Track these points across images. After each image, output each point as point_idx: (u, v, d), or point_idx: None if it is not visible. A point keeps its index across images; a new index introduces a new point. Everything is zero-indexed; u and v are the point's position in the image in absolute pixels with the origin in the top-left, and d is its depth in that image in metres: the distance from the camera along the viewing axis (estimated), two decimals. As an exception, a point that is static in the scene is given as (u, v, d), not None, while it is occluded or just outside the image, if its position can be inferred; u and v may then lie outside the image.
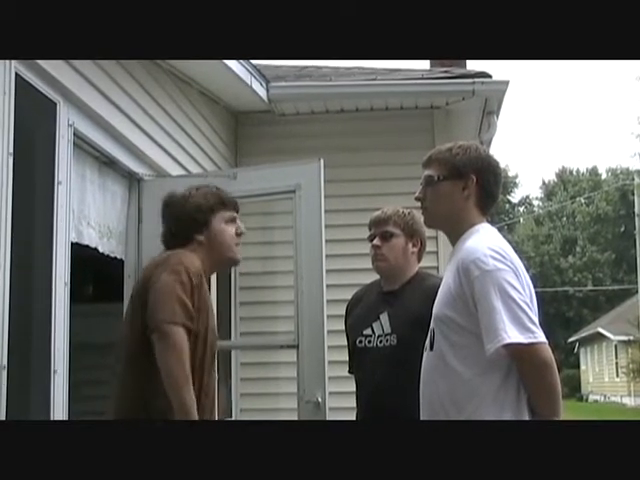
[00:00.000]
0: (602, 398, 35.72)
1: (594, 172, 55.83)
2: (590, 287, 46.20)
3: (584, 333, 38.65)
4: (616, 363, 34.20)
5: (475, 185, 2.73)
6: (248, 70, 5.79)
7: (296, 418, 4.41)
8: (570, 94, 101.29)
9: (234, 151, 6.75)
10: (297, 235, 4.65)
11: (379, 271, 3.64)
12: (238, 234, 3.14)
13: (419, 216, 3.14)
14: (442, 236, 4.00)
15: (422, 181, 2.82)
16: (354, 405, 3.63)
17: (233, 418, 5.88)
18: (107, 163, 4.45)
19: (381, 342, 3.51)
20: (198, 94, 5.78)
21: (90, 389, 5.86)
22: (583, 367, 41.08)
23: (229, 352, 5.93)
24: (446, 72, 6.55)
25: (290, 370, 4.66)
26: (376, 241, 3.60)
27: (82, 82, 3.85)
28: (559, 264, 48.88)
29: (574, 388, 37.65)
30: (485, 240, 2.63)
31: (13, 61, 3.22)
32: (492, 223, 2.82)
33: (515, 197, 59.15)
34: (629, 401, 31.46)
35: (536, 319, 2.50)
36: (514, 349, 2.44)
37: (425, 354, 2.73)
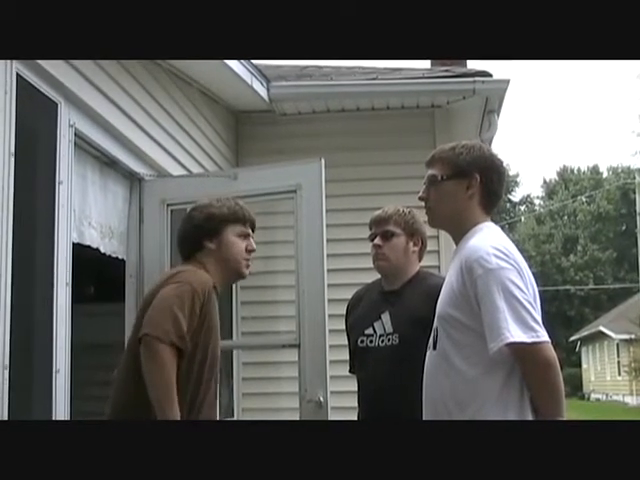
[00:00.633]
0: (604, 397, 35.70)
1: (595, 171, 55.82)
2: (591, 286, 46.21)
3: (586, 332, 38.64)
4: (618, 362, 34.19)
5: (479, 184, 2.73)
6: (249, 70, 5.79)
7: (298, 418, 4.41)
8: (571, 92, 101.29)
9: (235, 151, 6.75)
10: (298, 235, 4.65)
11: (380, 270, 3.64)
12: (248, 250, 3.19)
13: (420, 215, 3.14)
14: (443, 235, 4.01)
15: (425, 180, 2.82)
16: (356, 405, 3.63)
17: (235, 418, 5.88)
18: (108, 163, 4.45)
19: (383, 342, 3.51)
20: (199, 94, 5.78)
21: (92, 389, 5.85)
22: (585, 366, 41.06)
23: (230, 352, 5.93)
24: (447, 71, 6.55)
25: (292, 369, 4.66)
26: (377, 240, 3.60)
27: (83, 82, 3.85)
28: (560, 263, 48.88)
29: (576, 387, 37.64)
30: (489, 239, 2.63)
31: (14, 62, 3.22)
32: (494, 222, 2.82)
33: (516, 196, 59.21)
34: (631, 400, 31.44)
35: (539, 318, 2.50)
36: (517, 348, 2.44)
37: (428, 353, 2.73)
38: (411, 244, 3.60)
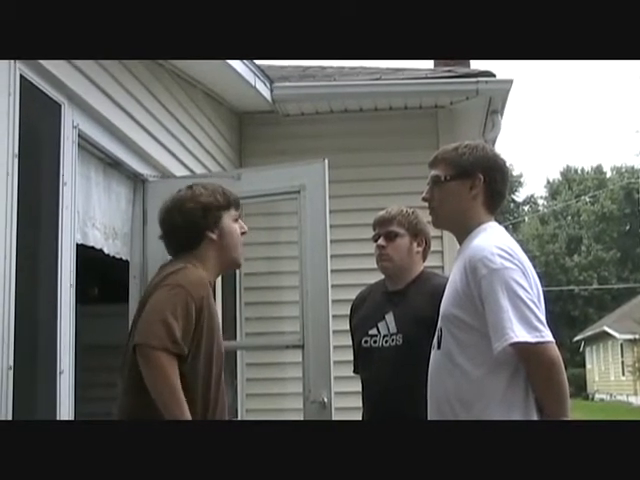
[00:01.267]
0: (608, 397, 35.65)
1: (599, 171, 55.79)
2: (595, 286, 46.17)
3: (590, 332, 38.60)
4: (622, 362, 34.14)
5: (482, 184, 2.73)
6: (252, 71, 5.79)
7: (302, 418, 4.41)
8: (574, 92, 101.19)
9: (238, 152, 6.75)
10: (302, 235, 4.65)
11: (384, 271, 3.64)
12: (242, 233, 3.13)
13: (423, 216, 3.14)
14: (447, 235, 4.01)
15: (429, 181, 2.82)
16: (360, 405, 3.63)
17: (239, 419, 5.88)
18: (112, 164, 4.45)
19: (387, 342, 3.50)
20: (202, 95, 5.79)
21: (96, 390, 5.87)
22: (589, 366, 41.02)
23: (234, 352, 5.94)
24: (450, 71, 6.54)
25: (295, 370, 4.66)
26: (381, 241, 3.59)
27: (87, 84, 3.85)
28: (564, 263, 48.85)
29: (580, 387, 37.59)
30: (493, 239, 2.63)
31: (18, 63, 3.23)
32: (498, 222, 2.82)
33: (520, 196, 59.21)
34: (635, 400, 31.39)
35: (543, 318, 2.50)
36: (521, 348, 2.44)
37: (432, 353, 2.73)
38: (415, 244, 3.60)
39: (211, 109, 6.01)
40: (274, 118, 6.63)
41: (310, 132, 6.66)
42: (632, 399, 31.88)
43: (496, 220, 2.82)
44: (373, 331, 3.55)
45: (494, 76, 6.31)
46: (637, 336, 30.68)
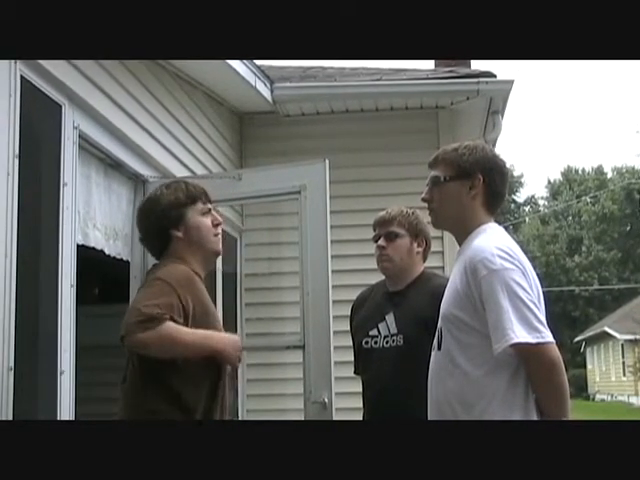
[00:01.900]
0: (609, 397, 35.64)
1: (599, 171, 55.80)
2: (596, 286, 46.15)
3: (590, 332, 38.59)
4: (623, 362, 34.13)
5: (482, 185, 2.73)
6: (252, 71, 5.79)
7: (302, 419, 4.41)
8: (575, 93, 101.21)
9: (239, 152, 6.76)
10: (302, 236, 4.65)
11: (384, 272, 3.64)
12: (215, 225, 3.09)
13: (424, 216, 3.14)
14: (447, 236, 4.01)
15: (428, 182, 2.82)
16: (361, 406, 3.63)
17: (239, 419, 5.88)
18: (112, 165, 4.45)
19: (387, 343, 3.50)
20: (203, 96, 5.79)
21: (97, 390, 5.86)
22: (590, 366, 41.01)
23: (235, 353, 5.93)
24: (451, 72, 6.55)
25: (296, 371, 4.66)
26: (381, 242, 3.59)
27: (87, 84, 3.85)
28: (565, 263, 48.84)
29: (581, 387, 37.59)
30: (492, 239, 2.63)
31: (19, 64, 3.23)
32: (497, 223, 2.82)
33: (520, 197, 59.22)
34: (636, 400, 31.38)
35: (544, 318, 2.50)
36: (522, 348, 2.44)
37: (433, 354, 2.73)
38: (415, 245, 3.60)
39: (212, 110, 6.01)
40: (275, 118, 6.63)
41: (311, 132, 6.66)
42: (633, 399, 31.86)
43: (496, 220, 2.82)
44: (374, 332, 3.55)
45: (495, 76, 6.31)
46: (638, 336, 30.66)
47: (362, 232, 4.52)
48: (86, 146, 4.02)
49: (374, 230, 3.66)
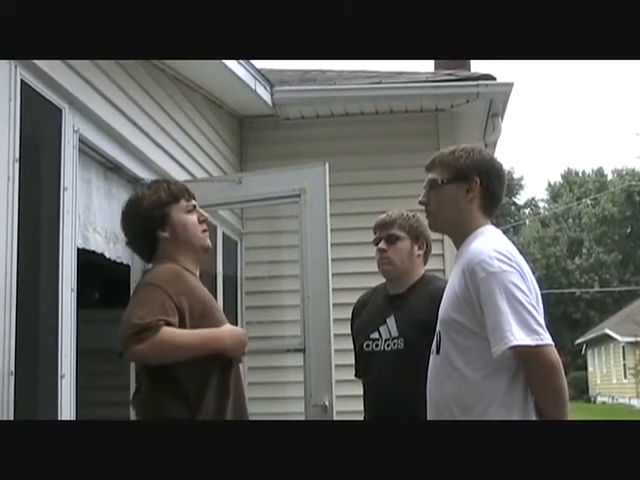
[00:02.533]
0: (610, 400, 35.61)
1: (600, 173, 55.78)
2: (597, 288, 46.13)
3: (591, 335, 38.57)
4: (624, 364, 34.11)
5: (479, 187, 2.73)
6: (252, 74, 5.80)
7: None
8: (575, 95, 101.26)
9: (239, 155, 6.76)
10: (303, 239, 4.66)
11: (385, 275, 3.63)
12: (201, 221, 3.06)
13: (424, 219, 3.14)
14: (448, 239, 4.01)
15: (426, 185, 2.82)
16: (361, 409, 3.62)
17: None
18: (112, 169, 4.45)
19: (388, 346, 3.50)
20: (203, 99, 5.79)
21: (97, 394, 5.86)
22: (590, 369, 40.98)
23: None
24: (450, 75, 6.55)
25: (297, 374, 4.66)
26: (381, 244, 3.59)
27: (87, 88, 3.86)
28: (565, 266, 48.82)
29: (582, 390, 37.57)
30: (490, 242, 2.63)
31: (19, 68, 3.23)
32: (497, 225, 2.82)
33: (521, 199, 59.20)
34: (637, 403, 31.35)
35: (542, 321, 2.50)
36: (521, 351, 2.44)
37: (432, 357, 2.73)
38: (416, 248, 3.60)
39: (212, 113, 6.02)
40: (275, 122, 6.64)
41: (311, 136, 6.67)
42: (634, 402, 31.83)
43: (496, 223, 2.82)
44: (374, 335, 3.55)
45: (495, 79, 6.32)
46: (639, 339, 30.65)
47: (362, 235, 4.53)
48: (86, 150, 4.02)
49: (374, 233, 3.66)
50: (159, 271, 2.87)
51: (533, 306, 2.50)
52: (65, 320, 3.56)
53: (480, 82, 6.24)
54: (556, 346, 2.49)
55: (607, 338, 35.38)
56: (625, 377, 33.96)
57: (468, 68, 7.27)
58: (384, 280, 3.69)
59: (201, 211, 3.08)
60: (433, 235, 3.60)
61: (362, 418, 3.61)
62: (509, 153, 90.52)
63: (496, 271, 2.50)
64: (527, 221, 55.15)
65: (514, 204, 57.77)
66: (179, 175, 5.15)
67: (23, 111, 3.25)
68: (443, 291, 2.78)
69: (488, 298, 2.48)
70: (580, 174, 56.50)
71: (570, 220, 53.13)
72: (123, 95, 4.32)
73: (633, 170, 52.15)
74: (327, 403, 4.35)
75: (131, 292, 4.67)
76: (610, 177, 55.38)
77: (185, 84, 5.39)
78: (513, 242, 2.74)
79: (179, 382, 2.77)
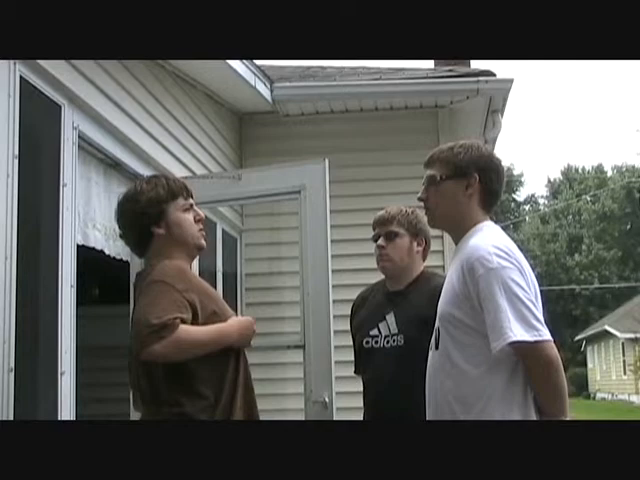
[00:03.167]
0: (609, 396, 35.64)
1: (600, 170, 55.78)
2: (596, 285, 46.14)
3: (591, 331, 38.60)
4: (623, 361, 34.13)
5: (478, 184, 2.73)
6: (252, 71, 5.80)
7: (303, 419, 4.41)
8: (575, 91, 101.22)
9: (239, 152, 6.76)
10: (302, 236, 4.65)
11: (384, 271, 3.63)
12: (197, 220, 3.03)
13: (423, 215, 3.14)
14: (447, 235, 4.01)
15: (424, 181, 2.82)
16: (361, 405, 3.62)
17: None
18: (112, 165, 4.45)
19: (388, 342, 3.50)
20: (202, 96, 5.79)
21: (97, 391, 5.87)
22: (590, 365, 41.01)
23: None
24: (450, 71, 6.55)
25: (297, 371, 4.66)
26: (380, 241, 3.59)
27: (87, 85, 3.86)
28: (565, 262, 48.84)
29: (581, 386, 37.60)
30: (489, 238, 2.63)
31: (18, 64, 3.23)
32: (497, 222, 2.82)
33: (520, 196, 59.23)
34: (636, 399, 31.37)
35: (541, 317, 2.50)
36: (520, 347, 2.44)
37: (430, 353, 2.73)
38: (415, 244, 3.60)
39: (211, 110, 6.01)
40: (274, 118, 6.64)
41: (310, 132, 6.67)
42: (634, 398, 31.86)
43: (496, 219, 2.82)
44: (374, 331, 3.55)
45: (494, 75, 6.32)
46: (638, 335, 30.67)
47: (362, 231, 4.52)
48: (86, 146, 4.02)
49: (373, 230, 3.65)
50: (164, 268, 2.85)
51: (532, 302, 2.50)
52: (65, 317, 3.56)
53: (480, 78, 6.24)
54: (556, 342, 2.49)
55: (607, 334, 35.40)
56: (625, 373, 33.98)
57: (468, 64, 7.27)
58: (383, 277, 3.69)
59: (198, 210, 3.06)
60: (433, 231, 3.60)
61: (362, 415, 3.61)
62: (509, 149, 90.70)
63: (495, 267, 2.50)
64: (527, 218, 55.17)
65: (514, 200, 57.78)
66: (178, 171, 5.15)
67: (22, 108, 3.25)
68: (442, 287, 2.78)
69: (487, 294, 2.48)
70: (580, 171, 56.51)
71: (570, 217, 53.13)
72: (123, 92, 4.31)
73: (633, 167, 52.16)
74: (327, 399, 4.35)
75: (130, 289, 4.69)
76: (610, 174, 55.39)
77: (185, 81, 5.39)
78: (513, 239, 2.74)
79: (196, 378, 2.76)
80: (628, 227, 50.98)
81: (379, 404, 3.50)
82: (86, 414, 3.69)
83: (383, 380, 3.48)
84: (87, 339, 4.00)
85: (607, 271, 47.99)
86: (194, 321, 2.75)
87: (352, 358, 3.75)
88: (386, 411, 3.42)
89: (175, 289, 2.75)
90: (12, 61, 3.20)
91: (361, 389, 3.65)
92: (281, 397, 6.14)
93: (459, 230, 2.76)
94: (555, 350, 2.47)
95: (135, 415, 3.05)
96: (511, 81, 6.25)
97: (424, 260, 3.67)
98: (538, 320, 2.47)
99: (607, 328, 34.76)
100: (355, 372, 3.75)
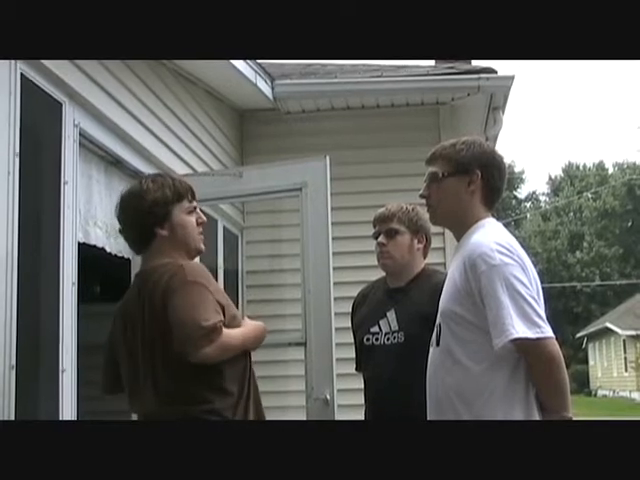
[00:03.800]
0: (611, 393, 35.66)
1: (601, 167, 55.74)
2: (598, 282, 46.14)
3: (592, 328, 38.61)
4: (625, 358, 34.15)
5: (480, 180, 2.73)
6: (253, 68, 5.79)
7: (304, 415, 4.41)
8: (576, 88, 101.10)
9: (240, 149, 6.76)
10: (304, 233, 4.65)
11: (385, 269, 3.63)
12: (199, 223, 3.02)
13: (423, 212, 3.13)
14: (449, 232, 4.02)
15: (426, 178, 2.82)
16: (362, 402, 3.62)
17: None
18: (113, 163, 4.45)
19: (388, 339, 3.50)
20: (203, 93, 5.79)
21: (98, 389, 5.85)
22: (591, 362, 41.02)
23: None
24: (451, 68, 6.55)
25: (298, 368, 4.66)
26: (381, 238, 3.59)
27: (88, 82, 3.85)
28: (566, 259, 48.83)
29: (583, 383, 37.62)
30: (491, 235, 2.63)
31: (19, 62, 3.23)
32: (498, 219, 2.81)
33: (522, 193, 59.22)
34: (638, 396, 31.39)
35: (543, 314, 2.50)
36: (522, 344, 2.44)
37: (431, 350, 2.73)
38: (415, 241, 3.59)
39: (212, 107, 6.01)
40: (275, 115, 6.63)
41: (311, 129, 6.67)
42: (635, 395, 31.88)
43: (497, 217, 2.81)
44: (375, 329, 3.55)
45: (495, 72, 6.31)
46: (639, 332, 30.66)
47: (363, 229, 4.51)
48: (87, 144, 4.02)
49: (374, 227, 3.65)
50: (196, 269, 2.85)
51: (534, 299, 2.50)
52: (66, 314, 3.56)
53: (481, 75, 6.24)
54: (557, 339, 2.49)
55: (608, 331, 35.42)
56: (626, 370, 33.99)
57: (469, 62, 7.25)
58: (384, 274, 3.69)
59: (200, 213, 3.06)
60: (434, 229, 3.60)
61: (363, 412, 3.61)
62: (510, 146, 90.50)
63: (497, 264, 2.50)
64: (528, 215, 55.15)
65: (515, 198, 57.75)
66: (179, 169, 5.15)
67: (23, 105, 3.24)
68: (443, 285, 2.78)
69: (489, 291, 2.48)
70: (581, 168, 56.46)
71: (571, 214, 53.11)
72: (124, 89, 4.31)
73: (634, 164, 52.18)
74: (328, 397, 4.35)
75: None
76: (611, 171, 55.36)
77: (186, 78, 5.38)
78: (514, 236, 2.74)
79: (223, 376, 2.77)
80: (629, 224, 50.96)
81: (380, 401, 3.50)
82: (87, 411, 3.69)
83: (383, 377, 3.48)
84: (88, 336, 4.00)
85: (608, 268, 47.99)
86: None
87: (353, 355, 3.75)
88: (387, 408, 3.42)
89: (209, 291, 2.77)
90: (13, 60, 3.19)
91: (362, 386, 3.65)
92: (282, 394, 6.13)
93: (461, 227, 2.76)
94: (557, 347, 2.47)
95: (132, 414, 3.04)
96: (512, 78, 6.25)
97: (425, 257, 3.67)
98: (540, 317, 2.47)
99: (608, 325, 34.79)
100: (356, 369, 3.75)
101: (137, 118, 4.50)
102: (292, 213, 4.95)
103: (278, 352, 5.93)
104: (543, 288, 2.68)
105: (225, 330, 2.72)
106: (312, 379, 4.44)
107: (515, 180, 55.09)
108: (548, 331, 2.46)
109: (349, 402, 4.30)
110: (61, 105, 3.65)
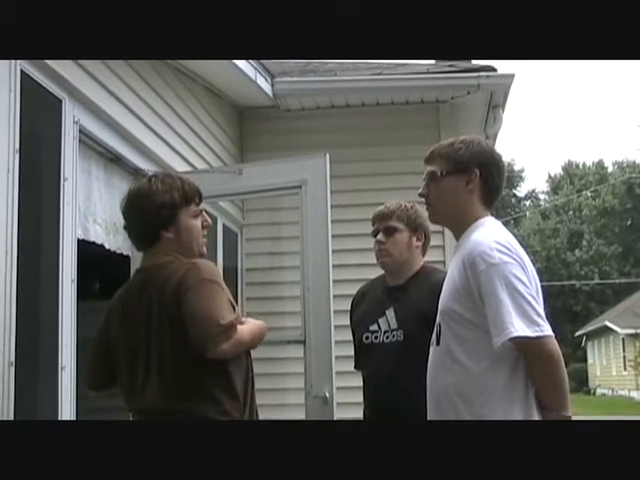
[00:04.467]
0: (610, 392, 35.67)
1: (600, 165, 55.74)
2: (597, 281, 46.15)
3: (591, 327, 38.62)
4: (624, 356, 34.16)
5: (479, 179, 2.73)
6: (253, 66, 5.79)
7: (303, 413, 4.41)
8: (576, 87, 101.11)
9: (239, 147, 6.76)
10: (303, 230, 4.65)
11: (384, 266, 3.63)
12: (204, 226, 3.02)
13: (422, 210, 3.13)
14: (448, 230, 4.02)
15: (425, 177, 2.82)
16: (361, 400, 3.63)
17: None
18: (113, 160, 4.45)
19: (387, 338, 3.50)
20: (203, 90, 5.78)
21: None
22: (590, 361, 41.03)
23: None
24: (451, 66, 6.54)
25: (297, 365, 4.66)
26: (380, 236, 3.59)
27: (87, 79, 3.85)
28: (566, 258, 48.83)
29: (581, 382, 37.61)
30: (490, 233, 2.63)
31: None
32: (497, 217, 2.81)
33: (521, 191, 59.17)
34: (637, 395, 31.40)
35: (542, 312, 2.50)
36: (521, 342, 2.44)
37: (431, 349, 2.73)
38: (414, 239, 3.59)
39: (212, 104, 6.01)
40: (275, 113, 6.63)
41: (311, 127, 6.66)
42: (634, 394, 31.89)
43: (496, 215, 2.81)
44: (374, 327, 3.55)
45: (495, 71, 6.31)
46: (639, 331, 30.68)
47: (363, 226, 4.51)
48: (86, 141, 4.02)
49: (373, 225, 3.65)
50: (210, 267, 2.88)
51: (533, 297, 2.50)
52: (65, 311, 3.56)
53: (481, 74, 6.23)
54: (556, 338, 2.49)
55: (607, 330, 35.43)
56: (625, 369, 34.01)
57: (469, 60, 7.25)
58: (384, 272, 3.69)
59: (206, 216, 3.05)
60: (433, 227, 3.59)
61: (362, 410, 3.61)
62: (510, 145, 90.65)
63: (497, 262, 2.50)
64: (527, 213, 55.14)
65: (514, 196, 57.74)
66: (179, 166, 5.15)
67: (23, 102, 3.24)
68: (442, 283, 2.78)
69: (488, 289, 2.48)
70: (581, 166, 56.46)
71: (570, 212, 53.12)
72: (123, 86, 4.31)
73: (634, 162, 52.16)
74: (327, 394, 4.35)
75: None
76: (610, 169, 55.36)
77: (186, 75, 5.38)
78: (513, 234, 2.74)
79: (231, 376, 2.80)
80: (629, 223, 50.96)
81: (379, 399, 3.50)
82: (86, 408, 3.69)
83: (382, 375, 3.48)
84: (87, 333, 4.00)
85: (607, 267, 48.00)
86: None
87: (352, 353, 3.75)
88: (386, 406, 3.42)
89: (224, 291, 2.82)
90: (14, 60, 3.19)
91: (361, 384, 3.65)
92: (281, 392, 6.14)
93: (460, 226, 2.76)
94: (556, 345, 2.47)
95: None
96: (512, 76, 6.24)
97: (424, 255, 3.67)
98: (539, 315, 2.47)
99: (607, 324, 34.79)
100: (355, 367, 3.75)
101: (137, 115, 4.50)
102: (292, 210, 4.94)
103: (277, 349, 5.93)
104: (542, 286, 2.68)
105: (239, 327, 2.77)
106: (311, 377, 4.44)
107: (515, 178, 55.08)
108: (547, 329, 2.46)
109: (348, 400, 4.30)
110: (61, 102, 3.65)
